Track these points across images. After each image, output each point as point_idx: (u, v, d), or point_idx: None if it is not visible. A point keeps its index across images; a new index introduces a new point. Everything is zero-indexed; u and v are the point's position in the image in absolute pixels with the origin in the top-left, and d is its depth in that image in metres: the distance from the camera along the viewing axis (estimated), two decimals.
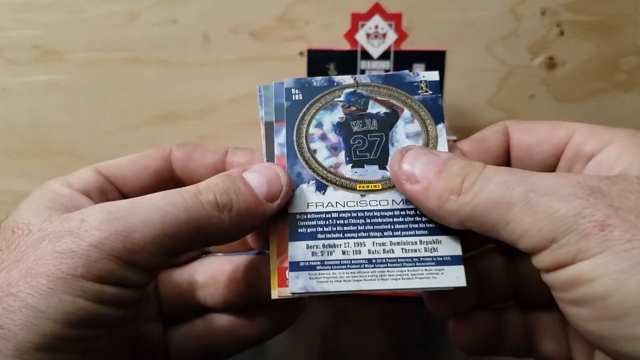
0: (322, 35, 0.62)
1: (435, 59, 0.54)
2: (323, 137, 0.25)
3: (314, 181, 0.24)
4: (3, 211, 0.73)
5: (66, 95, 0.64)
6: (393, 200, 0.24)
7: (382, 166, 0.25)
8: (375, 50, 0.54)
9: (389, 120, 0.26)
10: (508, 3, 0.61)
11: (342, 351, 0.43)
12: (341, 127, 0.25)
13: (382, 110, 0.26)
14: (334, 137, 0.25)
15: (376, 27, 0.53)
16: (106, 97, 0.64)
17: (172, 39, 0.62)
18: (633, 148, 0.22)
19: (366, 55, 0.54)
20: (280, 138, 0.25)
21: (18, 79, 0.63)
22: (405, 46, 0.54)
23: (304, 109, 0.26)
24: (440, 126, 0.26)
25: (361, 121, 0.26)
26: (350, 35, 0.54)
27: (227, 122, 0.64)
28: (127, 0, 0.61)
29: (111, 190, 0.26)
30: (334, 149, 0.25)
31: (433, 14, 0.61)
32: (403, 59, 0.54)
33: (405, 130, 0.26)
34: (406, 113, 0.26)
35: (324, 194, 0.24)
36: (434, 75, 0.27)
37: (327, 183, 0.24)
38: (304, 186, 0.24)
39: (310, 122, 0.25)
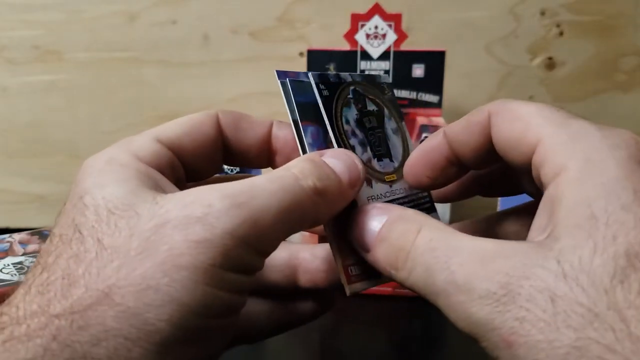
0: (322, 35, 0.62)
1: (434, 59, 0.54)
2: (353, 134, 0.26)
3: None
4: (3, 211, 0.73)
5: (66, 95, 0.64)
6: (405, 187, 0.26)
7: (390, 159, 0.27)
8: (375, 51, 0.54)
9: (381, 116, 0.27)
10: (507, 3, 0.61)
11: (341, 350, 0.43)
12: (360, 124, 0.26)
13: (374, 107, 0.27)
14: (359, 133, 0.26)
15: (376, 27, 0.53)
16: (106, 97, 0.64)
17: (172, 39, 0.62)
18: (574, 191, 0.19)
19: (366, 56, 0.54)
20: (308, 138, 0.25)
21: (18, 79, 0.63)
22: (405, 46, 0.54)
23: (334, 106, 0.25)
24: (403, 123, 0.28)
25: (367, 118, 0.26)
26: (350, 36, 0.54)
27: None
28: (127, 0, 0.61)
29: (178, 166, 0.25)
30: (363, 145, 0.26)
31: (433, 15, 0.61)
32: (403, 59, 0.54)
33: (390, 127, 0.27)
34: (385, 111, 0.27)
35: (372, 187, 0.25)
36: (388, 78, 0.29)
37: (370, 177, 0.25)
38: None
39: (341, 118, 0.25)
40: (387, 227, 0.22)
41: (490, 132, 0.23)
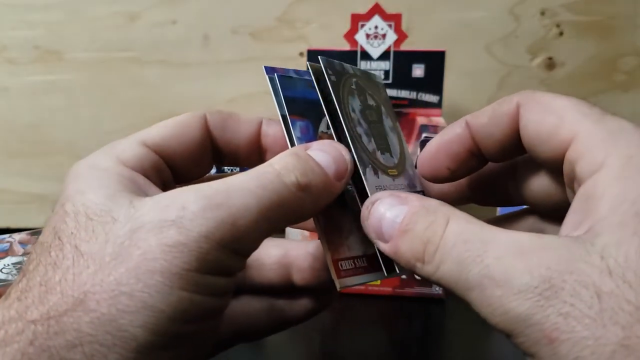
0: (322, 35, 0.62)
1: (434, 60, 0.54)
2: (359, 123, 0.25)
3: (371, 165, 0.24)
4: (2, 211, 0.73)
5: (66, 96, 0.64)
6: (405, 184, 0.26)
7: (390, 154, 0.26)
8: (375, 51, 0.54)
9: (379, 112, 0.27)
10: (507, 3, 0.61)
11: (341, 350, 0.43)
12: (363, 115, 0.25)
13: (373, 102, 0.27)
14: (364, 124, 0.25)
15: (376, 27, 0.54)
16: (106, 97, 0.64)
17: (173, 40, 0.63)
18: (618, 187, 0.18)
19: (366, 56, 0.54)
20: (297, 132, 0.24)
21: (18, 79, 0.63)
22: (405, 46, 0.54)
23: (341, 92, 0.25)
24: (397, 124, 0.27)
25: (369, 111, 0.26)
26: (350, 36, 0.54)
27: None
28: (128, 0, 0.61)
29: (164, 168, 0.24)
30: (368, 135, 0.25)
31: (432, 15, 0.61)
32: (402, 59, 0.54)
33: (387, 124, 0.27)
34: (382, 108, 0.27)
35: (378, 177, 0.24)
36: (381, 78, 0.29)
37: (376, 168, 0.25)
38: (367, 169, 0.24)
39: (348, 105, 0.25)
40: (410, 217, 0.21)
41: (519, 124, 0.22)
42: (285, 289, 0.28)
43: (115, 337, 0.18)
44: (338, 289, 0.23)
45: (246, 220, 0.20)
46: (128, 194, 0.21)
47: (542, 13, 0.61)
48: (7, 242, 0.43)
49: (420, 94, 0.55)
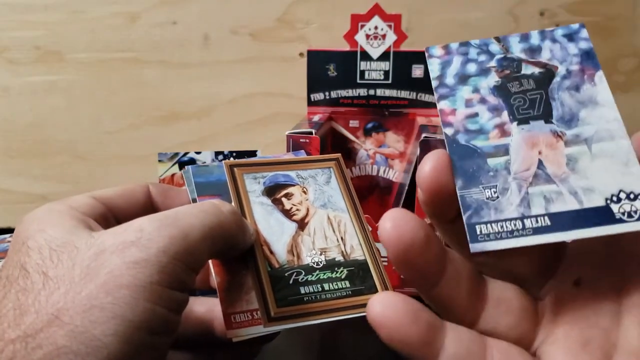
0: (322, 36, 0.62)
1: None
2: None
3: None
4: (3, 211, 0.73)
5: (67, 96, 0.64)
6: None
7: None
8: (375, 51, 0.54)
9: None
10: (506, 4, 0.61)
11: (341, 349, 0.44)
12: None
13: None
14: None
15: (375, 28, 0.54)
16: (107, 98, 0.64)
17: (173, 40, 0.63)
18: None
19: (366, 56, 0.54)
20: None
21: (19, 79, 0.64)
22: (405, 47, 0.54)
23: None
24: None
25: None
26: (350, 36, 0.54)
27: (226, 122, 0.64)
28: (128, 1, 0.61)
29: (110, 218, 0.27)
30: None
31: (432, 15, 0.61)
32: (402, 59, 0.54)
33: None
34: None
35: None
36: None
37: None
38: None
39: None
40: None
41: None
42: (208, 341, 0.30)
43: (89, 346, 0.20)
44: (232, 340, 0.26)
45: (194, 235, 0.23)
46: (84, 229, 0.24)
47: (542, 14, 0.61)
48: (8, 242, 0.43)
49: (420, 94, 0.55)
